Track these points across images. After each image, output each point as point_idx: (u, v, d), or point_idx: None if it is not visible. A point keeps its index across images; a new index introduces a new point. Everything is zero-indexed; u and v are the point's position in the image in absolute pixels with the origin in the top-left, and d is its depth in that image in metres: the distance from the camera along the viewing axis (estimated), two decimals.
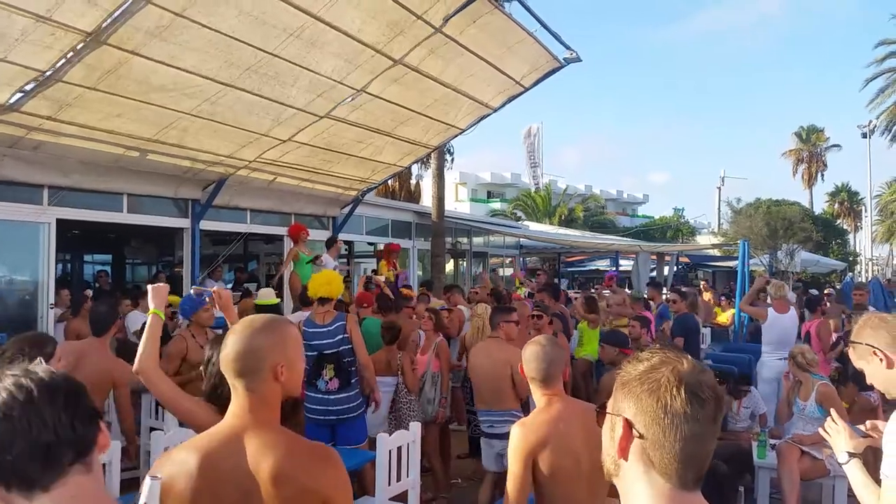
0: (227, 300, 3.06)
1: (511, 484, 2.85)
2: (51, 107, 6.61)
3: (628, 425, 1.27)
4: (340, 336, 5.24)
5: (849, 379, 6.31)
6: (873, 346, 2.32)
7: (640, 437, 1.26)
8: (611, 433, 1.32)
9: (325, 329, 5.24)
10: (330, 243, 10.05)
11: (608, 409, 1.35)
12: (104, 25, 5.56)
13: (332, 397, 5.12)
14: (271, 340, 1.91)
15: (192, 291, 4.42)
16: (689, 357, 1.32)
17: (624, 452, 1.28)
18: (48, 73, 6.01)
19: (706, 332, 12.35)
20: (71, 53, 5.82)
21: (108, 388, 4.65)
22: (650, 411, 1.25)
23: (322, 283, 5.43)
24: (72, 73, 6.08)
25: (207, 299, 6.56)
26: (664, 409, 1.25)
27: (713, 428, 1.27)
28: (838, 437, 2.50)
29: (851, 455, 2.42)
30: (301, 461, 1.84)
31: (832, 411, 2.61)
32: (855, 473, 2.39)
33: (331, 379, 5.16)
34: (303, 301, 7.58)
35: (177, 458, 1.84)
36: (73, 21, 5.45)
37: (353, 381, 5.21)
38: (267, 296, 7.27)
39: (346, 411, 5.14)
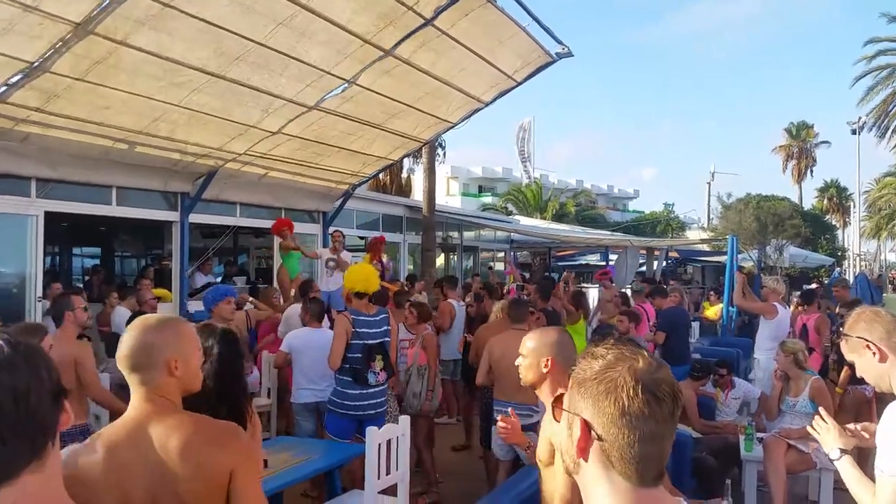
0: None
1: None
2: (39, 98, 6.55)
3: (586, 427, 1.25)
4: (385, 327, 5.29)
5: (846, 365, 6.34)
6: (866, 340, 2.33)
7: (599, 438, 1.24)
8: (569, 431, 1.30)
9: (371, 318, 5.24)
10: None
11: (564, 406, 1.32)
12: (92, 14, 5.51)
13: (371, 391, 5.11)
14: (163, 337, 1.97)
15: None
16: (645, 353, 1.30)
17: (584, 453, 1.26)
18: (36, 64, 5.96)
19: (695, 325, 12.41)
20: (59, 43, 5.77)
21: (71, 369, 4.58)
22: (608, 413, 1.23)
23: (360, 279, 5.40)
24: (60, 64, 6.03)
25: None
26: (622, 410, 1.22)
27: (671, 425, 1.25)
28: (828, 434, 2.52)
29: (843, 451, 2.44)
30: (205, 435, 1.90)
31: (821, 409, 2.63)
32: (847, 469, 2.41)
33: (381, 370, 5.14)
34: (303, 292, 7.58)
35: (83, 452, 1.85)
36: (61, 11, 5.40)
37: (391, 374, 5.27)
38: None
39: (382, 404, 5.20)
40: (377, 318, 5.27)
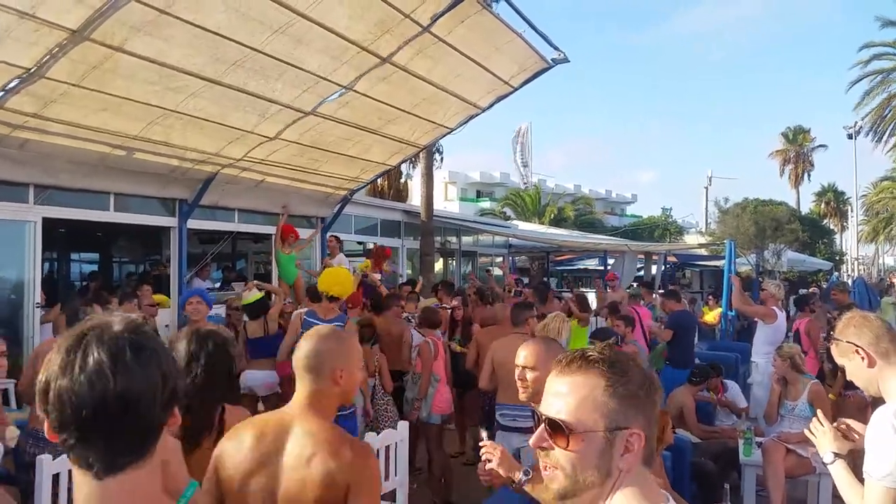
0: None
1: None
2: (35, 104, 6.55)
3: (641, 438, 1.31)
4: None
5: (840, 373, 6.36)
6: (855, 345, 2.35)
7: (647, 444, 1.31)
8: (606, 450, 1.30)
9: (323, 323, 5.24)
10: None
11: (603, 427, 1.30)
12: (89, 21, 5.51)
13: None
14: (335, 347, 2.26)
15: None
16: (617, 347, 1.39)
17: (633, 464, 1.31)
18: (32, 70, 5.96)
19: None
20: (56, 49, 5.77)
21: None
22: (652, 416, 1.32)
23: (335, 282, 5.43)
24: (56, 70, 6.03)
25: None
26: (654, 406, 1.33)
27: None
28: (823, 437, 2.53)
29: (837, 455, 2.45)
30: (333, 448, 2.09)
31: (818, 412, 2.63)
32: (840, 473, 2.42)
33: None
34: (311, 297, 7.59)
35: (236, 432, 2.20)
36: (57, 18, 5.40)
37: None
38: (248, 295, 7.26)
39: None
40: (330, 324, 5.26)
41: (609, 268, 19.02)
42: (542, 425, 1.34)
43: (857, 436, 2.52)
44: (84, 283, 13.51)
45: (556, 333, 6.12)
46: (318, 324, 5.23)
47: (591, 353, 1.35)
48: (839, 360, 2.46)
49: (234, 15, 6.04)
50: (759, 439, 5.54)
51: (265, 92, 7.50)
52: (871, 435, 2.26)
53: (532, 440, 1.35)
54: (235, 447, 2.13)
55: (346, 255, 10.66)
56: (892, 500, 2.15)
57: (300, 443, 2.09)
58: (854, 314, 2.49)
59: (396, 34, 7.06)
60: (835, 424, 2.58)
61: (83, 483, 1.15)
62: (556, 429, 1.31)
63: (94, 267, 16.89)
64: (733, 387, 7.03)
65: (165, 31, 5.99)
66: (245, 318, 7.01)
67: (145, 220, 9.46)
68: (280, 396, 6.92)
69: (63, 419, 1.12)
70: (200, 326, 3.03)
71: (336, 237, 10.08)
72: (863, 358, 2.33)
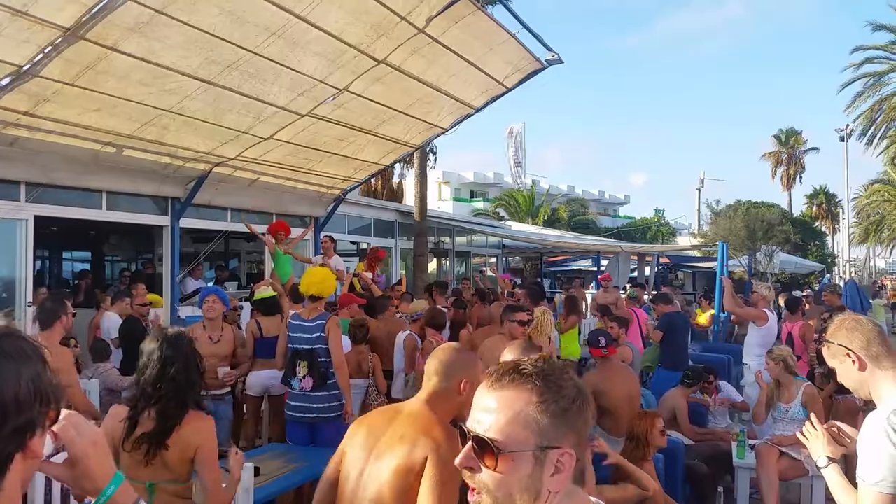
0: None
1: None
2: (28, 102, 6.51)
3: (572, 458, 1.24)
4: (318, 334, 5.19)
5: (831, 378, 6.38)
6: (847, 348, 2.35)
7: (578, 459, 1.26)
8: (535, 471, 1.22)
9: (306, 324, 5.22)
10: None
11: (534, 446, 1.22)
12: (83, 20, 5.48)
13: (312, 395, 5.05)
14: (468, 360, 2.52)
15: None
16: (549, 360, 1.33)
17: (563, 485, 1.24)
18: (25, 68, 5.93)
19: None
20: (49, 48, 5.74)
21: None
22: (584, 433, 1.28)
23: (315, 282, 5.41)
24: (49, 68, 6.00)
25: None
26: (586, 424, 1.28)
27: None
28: (816, 441, 2.53)
29: (830, 460, 2.45)
30: (426, 427, 2.31)
31: (811, 416, 2.63)
32: (833, 477, 2.42)
33: (304, 377, 5.07)
34: (294, 298, 7.55)
35: (371, 413, 2.67)
36: (50, 16, 5.38)
37: (329, 381, 5.12)
38: (264, 290, 7.22)
39: (326, 410, 5.08)
40: (312, 325, 5.23)
41: (603, 269, 19.05)
42: (469, 444, 1.24)
43: (848, 440, 2.52)
44: (75, 282, 13.43)
45: (545, 330, 6.19)
46: (302, 325, 5.21)
47: (524, 367, 1.26)
48: (830, 363, 2.46)
49: (229, 17, 6.03)
50: (752, 442, 5.55)
51: (260, 94, 7.48)
52: (864, 440, 2.26)
53: (458, 460, 1.26)
54: (357, 430, 2.47)
55: (340, 255, 10.61)
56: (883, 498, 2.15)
57: (401, 421, 2.38)
58: (846, 317, 2.49)
59: (393, 37, 7.06)
60: (825, 426, 2.58)
61: None
62: (485, 448, 1.21)
63: (87, 265, 16.80)
64: (726, 386, 7.05)
65: (160, 32, 5.96)
66: (240, 315, 6.96)
67: (137, 218, 9.42)
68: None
69: None
70: (169, 329, 3.04)
71: (330, 237, 10.03)
72: (854, 361, 2.33)
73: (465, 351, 2.55)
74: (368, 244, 14.09)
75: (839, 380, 2.46)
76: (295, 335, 5.18)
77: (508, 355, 3.11)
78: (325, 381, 5.10)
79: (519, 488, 1.21)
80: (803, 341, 7.87)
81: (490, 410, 1.24)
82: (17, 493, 1.06)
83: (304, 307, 5.50)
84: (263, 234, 9.55)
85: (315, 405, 5.07)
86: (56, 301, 5.01)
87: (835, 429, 2.57)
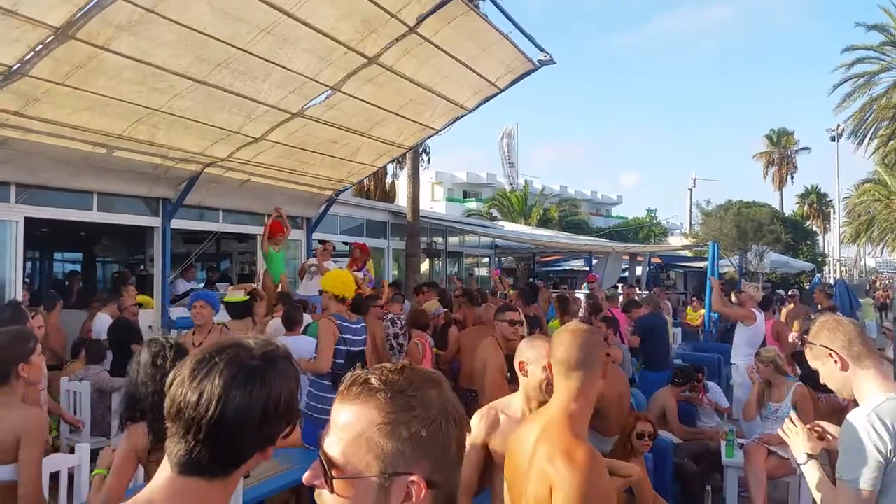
0: None
1: None
2: (18, 101, 6.49)
3: (421, 486, 1.10)
4: (364, 336, 5.27)
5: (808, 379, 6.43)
6: (829, 349, 2.38)
7: (434, 485, 1.11)
8: (380, 498, 1.10)
9: (353, 325, 5.21)
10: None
11: (377, 472, 1.09)
12: (73, 19, 5.47)
13: None
14: (597, 339, 2.25)
15: None
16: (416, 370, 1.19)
17: None
18: (15, 68, 5.91)
19: (677, 331, 12.49)
20: (39, 47, 5.72)
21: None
22: (445, 458, 1.14)
23: (338, 283, 5.36)
24: (39, 68, 5.98)
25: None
26: (447, 447, 1.15)
27: None
28: (796, 438, 2.56)
29: (810, 456, 2.48)
30: (554, 449, 2.07)
31: (791, 413, 2.67)
32: (812, 473, 2.46)
33: None
34: (284, 302, 7.55)
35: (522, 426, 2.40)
36: (41, 15, 5.36)
37: None
38: (235, 294, 7.23)
39: None
40: (359, 326, 5.26)
41: (593, 269, 19.11)
42: (317, 460, 1.14)
43: (830, 437, 2.56)
44: (66, 283, 13.39)
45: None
46: (350, 326, 5.16)
47: (373, 379, 1.13)
48: (813, 364, 2.49)
49: (219, 14, 6.01)
50: (740, 441, 5.59)
51: (251, 93, 7.47)
52: (844, 437, 2.29)
53: (305, 475, 1.15)
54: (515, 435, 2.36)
55: (332, 256, 10.61)
56: (863, 501, 2.19)
57: (542, 438, 2.17)
58: (828, 318, 2.52)
59: (383, 34, 7.06)
60: (809, 426, 2.61)
61: (162, 469, 1.28)
62: (329, 467, 1.11)
63: (78, 267, 16.76)
64: (714, 388, 7.09)
65: (151, 31, 5.95)
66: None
67: (129, 219, 9.38)
68: None
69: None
70: (161, 336, 3.02)
71: (331, 244, 10.04)
72: (836, 362, 2.36)
73: (589, 331, 2.26)
74: (353, 243, 14.09)
75: (822, 380, 2.50)
76: (348, 337, 5.14)
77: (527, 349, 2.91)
78: None
79: None
80: (776, 339, 7.92)
81: (336, 427, 1.13)
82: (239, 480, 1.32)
83: (336, 309, 5.39)
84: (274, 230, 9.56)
85: None
86: (12, 312, 4.97)
87: (818, 428, 2.61)
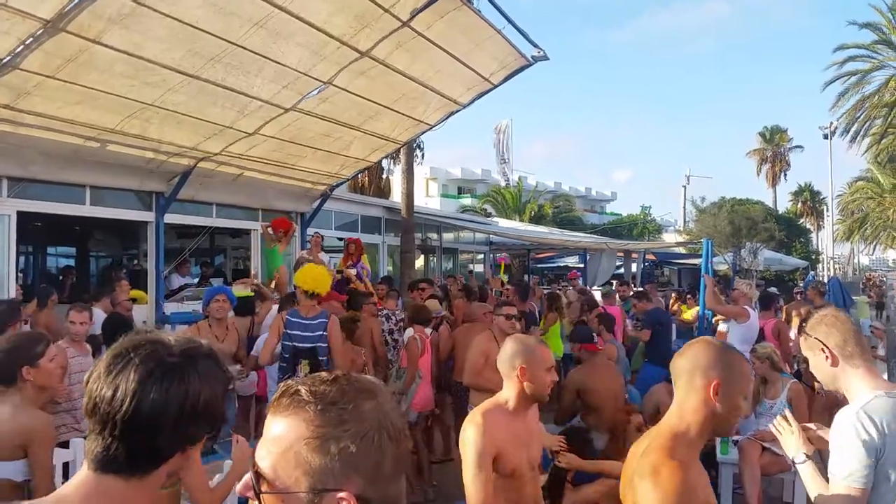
0: None
1: None
2: (8, 94, 6.43)
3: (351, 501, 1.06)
4: (320, 332, 5.19)
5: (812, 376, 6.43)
6: (823, 343, 2.38)
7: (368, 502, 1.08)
8: None
9: (307, 321, 5.19)
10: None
11: (306, 488, 1.05)
12: (64, 11, 5.42)
13: None
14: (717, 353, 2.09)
15: None
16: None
17: None
18: (5, 60, 5.86)
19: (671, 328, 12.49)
20: (30, 40, 5.67)
21: None
22: (379, 473, 1.09)
23: (309, 279, 5.37)
24: (30, 60, 5.93)
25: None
26: (381, 463, 1.10)
27: None
28: (790, 437, 2.55)
29: (807, 457, 2.48)
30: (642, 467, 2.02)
31: (785, 411, 2.66)
32: (808, 473, 2.46)
33: (305, 376, 5.05)
34: (284, 298, 7.53)
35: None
36: (31, 8, 5.31)
37: None
38: (241, 290, 7.24)
39: None
40: (313, 322, 5.21)
41: (587, 265, 19.10)
42: (250, 472, 1.10)
43: (826, 439, 2.55)
44: (60, 278, 13.31)
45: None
46: (302, 322, 5.17)
47: (303, 391, 1.09)
48: (805, 353, 2.51)
49: (211, 8, 5.97)
50: (735, 438, 5.58)
51: (244, 88, 7.43)
52: (834, 435, 2.30)
53: (238, 487, 1.12)
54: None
55: (326, 251, 10.58)
56: (855, 499, 2.19)
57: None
58: (827, 312, 2.51)
59: (376, 29, 7.03)
60: (804, 425, 2.61)
61: (82, 469, 1.26)
62: (261, 481, 1.08)
63: (72, 261, 16.68)
64: None
65: (142, 24, 5.90)
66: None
67: (122, 214, 9.34)
68: (258, 398, 6.87)
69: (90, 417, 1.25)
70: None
71: (319, 235, 10.01)
72: (826, 357, 2.37)
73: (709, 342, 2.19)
74: (347, 239, 14.05)
75: (811, 370, 2.52)
76: (294, 332, 5.12)
77: (506, 345, 2.92)
78: None
79: None
80: (776, 338, 7.92)
81: (267, 440, 1.09)
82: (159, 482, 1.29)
83: (302, 304, 5.41)
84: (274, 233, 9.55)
85: None
86: (9, 306, 4.98)
87: (812, 433, 2.60)
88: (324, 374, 1.15)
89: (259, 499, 1.07)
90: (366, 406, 1.09)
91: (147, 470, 1.25)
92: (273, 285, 8.99)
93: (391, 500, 1.09)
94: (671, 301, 14.32)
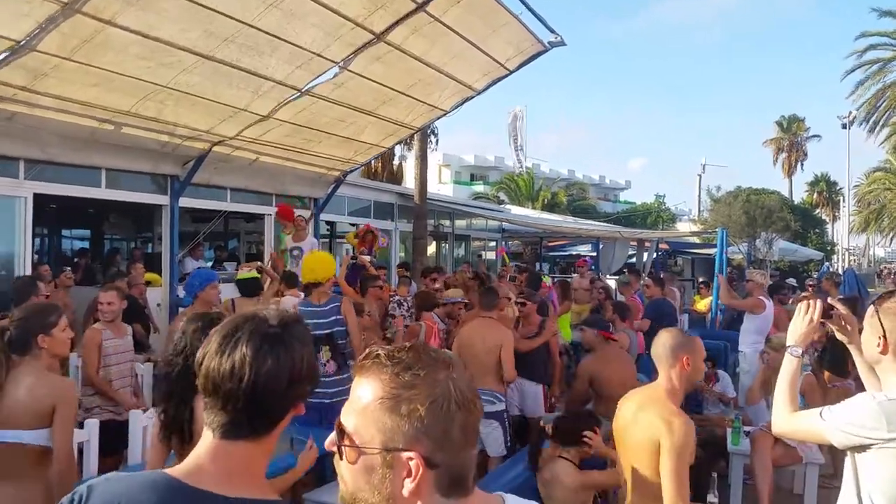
0: None
1: None
2: (26, 76, 6.46)
3: (420, 464, 1.11)
4: (335, 317, 5.20)
5: (824, 366, 6.39)
6: (883, 329, 2.30)
7: (435, 466, 1.13)
8: (384, 472, 1.13)
9: (319, 309, 5.20)
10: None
11: (379, 445, 1.13)
12: None
13: (327, 380, 5.01)
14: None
15: None
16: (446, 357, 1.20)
17: (420, 492, 1.13)
18: (22, 43, 5.88)
19: (684, 318, 12.46)
20: (46, 22, 5.69)
21: None
22: (448, 439, 1.14)
23: (308, 269, 5.39)
24: (46, 42, 5.94)
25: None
26: (450, 429, 1.15)
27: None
28: (802, 323, 2.54)
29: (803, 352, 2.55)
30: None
31: (815, 302, 2.58)
32: (792, 367, 2.54)
33: (328, 361, 5.07)
34: (288, 283, 7.56)
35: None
36: None
37: (349, 363, 5.11)
38: (246, 272, 7.29)
39: (339, 394, 5.01)
40: (325, 309, 5.21)
41: (600, 254, 19.04)
42: (335, 429, 1.19)
43: (849, 328, 2.54)
44: (74, 260, 13.44)
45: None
46: (315, 310, 5.18)
47: (382, 354, 1.17)
48: (863, 323, 2.42)
49: None
50: (747, 428, 5.57)
51: (258, 68, 7.41)
52: (851, 400, 2.31)
53: (326, 441, 1.20)
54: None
55: (339, 237, 10.59)
56: (816, 431, 2.32)
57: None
58: None
59: (391, 10, 6.99)
60: (826, 305, 2.57)
61: (204, 437, 1.37)
62: (343, 436, 1.16)
63: (86, 244, 16.81)
64: (724, 377, 7.06)
65: (158, 5, 5.90)
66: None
67: (137, 197, 9.37)
68: None
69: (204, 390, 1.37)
70: (208, 312, 3.01)
71: (302, 217, 9.86)
72: (879, 344, 2.31)
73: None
74: (362, 225, 14.07)
75: (861, 340, 2.45)
76: (309, 321, 5.13)
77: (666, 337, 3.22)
78: (346, 363, 5.13)
79: (367, 484, 1.13)
80: (775, 327, 7.87)
81: (353, 399, 1.18)
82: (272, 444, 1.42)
83: (313, 292, 5.41)
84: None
85: (330, 389, 5.00)
86: (28, 282, 5.05)
87: (834, 311, 2.56)
88: (406, 342, 1.27)
89: (339, 452, 1.16)
90: (439, 374, 1.15)
91: (267, 431, 1.37)
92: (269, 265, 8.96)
93: (458, 468, 1.15)
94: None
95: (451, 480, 1.14)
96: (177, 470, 1.33)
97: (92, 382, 5.07)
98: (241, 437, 1.34)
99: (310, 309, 5.17)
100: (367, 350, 1.20)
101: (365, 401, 1.14)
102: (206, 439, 1.36)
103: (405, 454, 1.10)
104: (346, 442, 1.15)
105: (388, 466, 1.12)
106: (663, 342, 3.13)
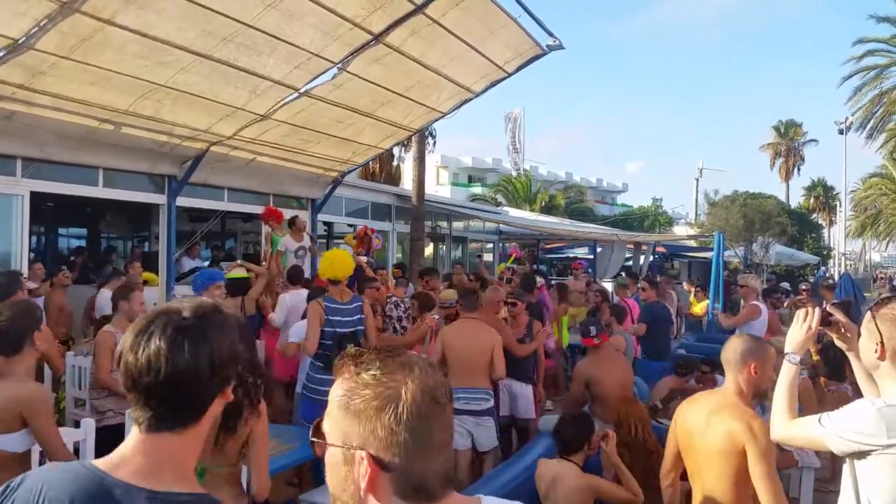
0: None
1: None
2: (23, 74, 6.46)
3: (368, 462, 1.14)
4: (358, 316, 5.21)
5: (824, 374, 6.41)
6: (881, 336, 2.29)
7: (387, 467, 1.14)
8: (347, 469, 1.16)
9: (344, 307, 5.19)
10: (290, 223, 9.56)
11: (334, 442, 1.18)
12: None
13: None
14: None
15: None
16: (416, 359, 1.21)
17: (375, 491, 1.14)
18: (21, 41, 5.88)
19: (682, 321, 12.48)
20: (45, 21, 5.69)
21: None
22: (388, 441, 1.15)
23: (327, 266, 5.34)
24: (44, 41, 5.94)
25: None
26: (392, 430, 1.15)
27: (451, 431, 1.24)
28: (801, 331, 2.55)
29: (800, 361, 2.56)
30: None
31: (815, 310, 2.59)
32: (790, 375, 2.54)
33: None
34: (291, 280, 7.55)
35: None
36: None
37: None
38: (236, 271, 7.31)
39: None
40: (350, 306, 5.20)
41: (597, 257, 19.05)
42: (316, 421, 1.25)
43: (849, 336, 2.55)
44: (71, 259, 13.41)
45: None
46: (340, 308, 5.13)
47: (351, 357, 1.21)
48: (861, 329, 2.41)
49: None
50: None
51: (256, 67, 7.41)
52: (850, 406, 2.31)
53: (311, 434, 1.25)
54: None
55: (336, 238, 10.58)
56: (815, 438, 2.32)
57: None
58: None
59: (389, 11, 6.99)
60: (823, 312, 2.57)
61: (133, 433, 1.36)
62: (318, 432, 1.22)
63: (82, 243, 16.78)
64: (721, 380, 7.06)
65: (157, 4, 5.90)
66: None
67: (134, 196, 9.37)
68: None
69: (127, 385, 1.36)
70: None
71: (298, 217, 9.77)
72: (876, 350, 2.30)
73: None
74: (361, 227, 14.06)
75: (858, 346, 2.44)
76: (335, 318, 5.10)
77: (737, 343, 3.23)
78: None
79: (339, 484, 1.17)
80: (767, 331, 7.88)
81: (330, 397, 1.23)
82: (209, 426, 1.42)
83: (330, 290, 5.37)
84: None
85: None
86: (9, 278, 5.02)
87: (832, 317, 2.58)
88: (386, 346, 1.25)
89: (313, 446, 1.22)
90: (395, 377, 1.16)
91: (194, 420, 1.36)
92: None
93: (419, 476, 1.14)
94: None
95: (412, 487, 1.14)
96: (101, 461, 1.34)
97: (106, 384, 4.99)
98: (166, 430, 1.33)
99: (335, 306, 5.13)
100: (343, 353, 1.24)
101: (332, 399, 1.19)
102: (133, 433, 1.36)
103: (358, 453, 1.13)
104: (318, 438, 1.20)
105: (347, 464, 1.15)
106: (734, 347, 3.10)
